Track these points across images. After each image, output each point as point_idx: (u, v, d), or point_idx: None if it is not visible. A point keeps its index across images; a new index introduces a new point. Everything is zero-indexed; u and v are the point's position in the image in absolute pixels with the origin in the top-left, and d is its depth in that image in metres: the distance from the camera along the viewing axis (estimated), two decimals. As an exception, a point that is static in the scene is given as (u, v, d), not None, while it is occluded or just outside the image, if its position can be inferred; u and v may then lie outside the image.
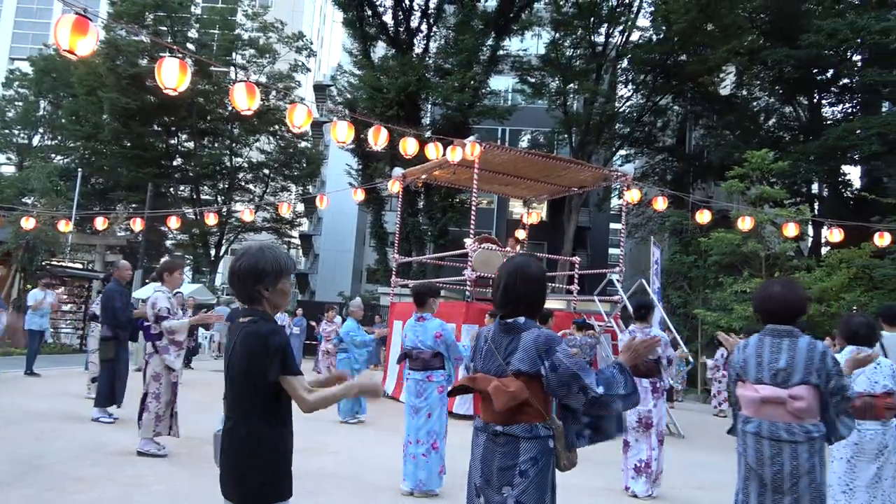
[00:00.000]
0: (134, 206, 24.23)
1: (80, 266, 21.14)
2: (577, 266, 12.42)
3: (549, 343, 2.38)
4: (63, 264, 19.28)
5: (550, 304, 12.34)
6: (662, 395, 5.71)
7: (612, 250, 32.29)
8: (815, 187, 21.21)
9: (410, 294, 5.79)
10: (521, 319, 2.49)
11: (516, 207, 26.35)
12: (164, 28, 25.78)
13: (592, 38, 22.90)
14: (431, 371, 5.21)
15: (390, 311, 12.47)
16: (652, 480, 5.53)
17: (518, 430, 2.38)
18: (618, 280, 11.22)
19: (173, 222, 18.75)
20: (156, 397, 5.70)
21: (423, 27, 23.11)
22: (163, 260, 6.57)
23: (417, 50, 22.87)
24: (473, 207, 10.92)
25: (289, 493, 2.26)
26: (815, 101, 20.71)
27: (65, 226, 17.42)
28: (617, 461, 5.79)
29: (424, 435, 5.09)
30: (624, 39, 23.23)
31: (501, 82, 26.32)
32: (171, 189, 27.84)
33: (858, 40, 17.40)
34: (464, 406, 9.33)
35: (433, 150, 10.07)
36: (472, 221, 10.75)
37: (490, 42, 22.36)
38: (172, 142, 28.13)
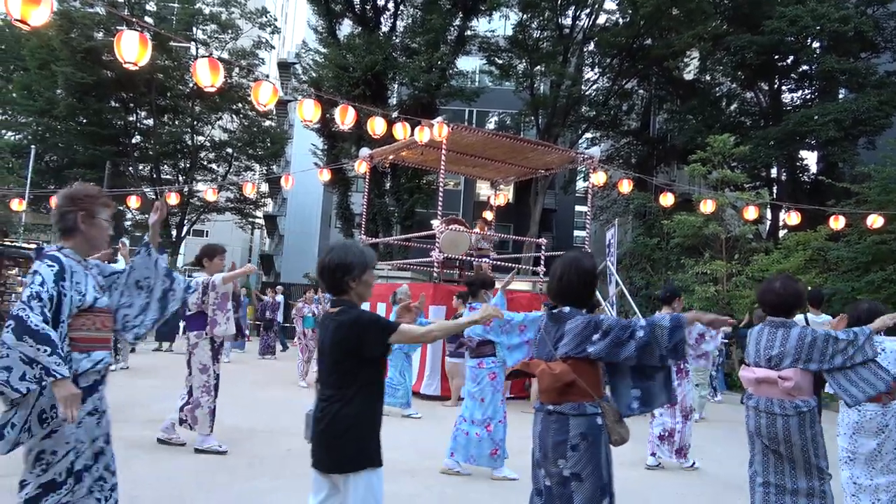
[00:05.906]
0: (91, 184, 23.44)
1: (35, 246, 20.46)
2: (543, 248, 12.52)
3: (593, 321, 2.69)
4: (17, 244, 18.64)
5: (517, 285, 12.43)
6: (686, 374, 6.16)
7: (577, 232, 32.65)
8: (773, 172, 21.70)
9: (465, 284, 6.42)
10: (567, 309, 2.78)
11: (483, 189, 26.40)
12: (121, 0, 24.84)
13: (560, 20, 22.92)
14: (482, 358, 5.50)
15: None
16: (675, 450, 5.97)
17: (566, 409, 2.67)
18: (583, 262, 11.33)
19: (133, 202, 18.30)
20: (206, 391, 5.40)
21: (390, 5, 22.76)
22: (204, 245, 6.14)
23: (384, 28, 22.53)
24: (441, 189, 10.89)
25: (379, 461, 2.55)
26: (775, 87, 21.12)
27: (18, 205, 16.85)
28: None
29: (479, 417, 5.40)
30: (591, 22, 23.30)
31: (469, 63, 26.15)
32: (130, 167, 26.97)
33: (818, 27, 17.75)
34: (431, 387, 9.39)
35: (401, 131, 10.01)
36: (440, 203, 10.72)
37: (457, 22, 22.15)
38: (131, 119, 27.18)
